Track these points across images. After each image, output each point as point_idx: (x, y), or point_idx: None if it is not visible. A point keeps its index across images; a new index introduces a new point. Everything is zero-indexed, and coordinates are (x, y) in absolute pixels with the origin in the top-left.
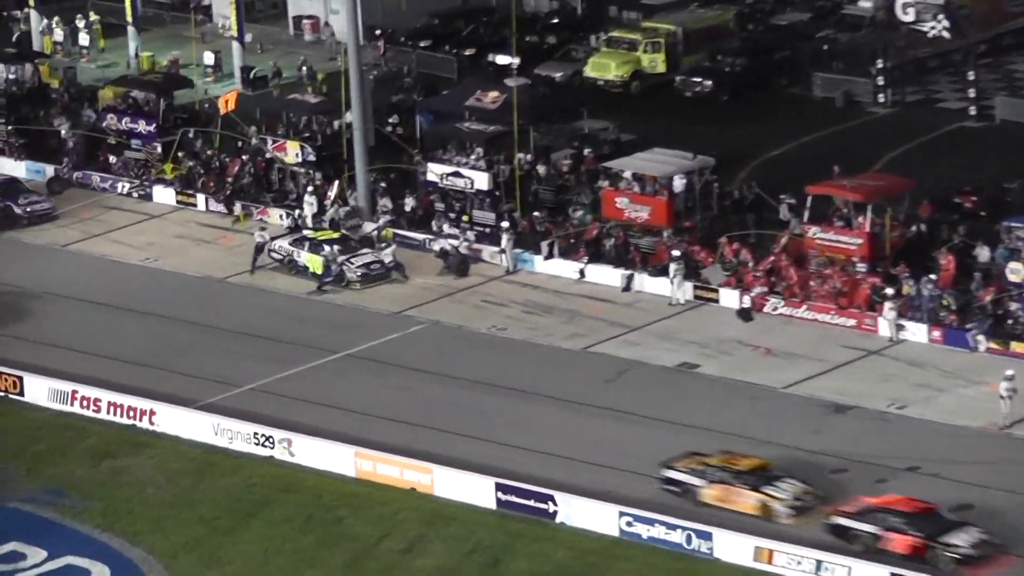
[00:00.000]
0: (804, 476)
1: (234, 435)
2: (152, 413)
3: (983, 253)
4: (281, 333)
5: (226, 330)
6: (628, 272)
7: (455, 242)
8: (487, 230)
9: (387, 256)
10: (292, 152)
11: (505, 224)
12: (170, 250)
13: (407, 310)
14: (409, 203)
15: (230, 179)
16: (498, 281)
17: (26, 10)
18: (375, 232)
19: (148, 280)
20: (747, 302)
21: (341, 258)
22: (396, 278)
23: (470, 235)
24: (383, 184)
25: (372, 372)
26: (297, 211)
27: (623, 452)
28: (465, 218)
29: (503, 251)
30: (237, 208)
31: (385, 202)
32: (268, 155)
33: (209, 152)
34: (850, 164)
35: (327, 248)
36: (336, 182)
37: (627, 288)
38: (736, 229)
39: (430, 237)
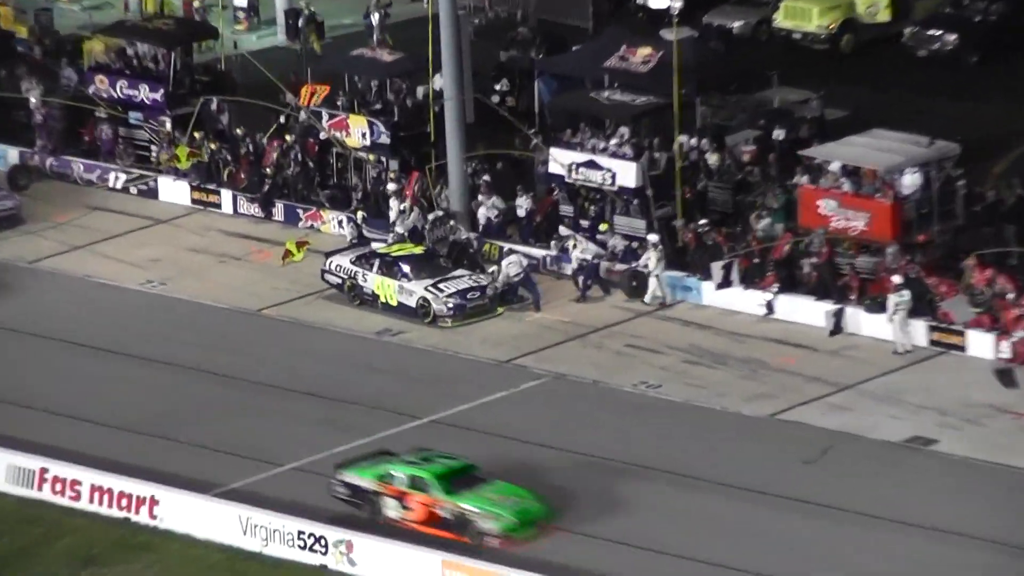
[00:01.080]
0: None
1: (271, 534)
2: (154, 502)
3: None
4: (340, 389)
5: (261, 383)
6: (836, 306)
7: (588, 257)
8: (633, 244)
9: (498, 277)
10: (356, 131)
11: (653, 237)
12: (183, 269)
13: (519, 357)
14: (523, 205)
15: (268, 169)
16: (648, 317)
17: None
18: (474, 243)
19: (152, 312)
20: (1006, 351)
21: (426, 283)
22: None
23: (617, 243)
24: (486, 178)
25: (468, 445)
26: (360, 215)
27: (826, 559)
28: (603, 226)
29: (652, 274)
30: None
31: (495, 201)
32: (322, 136)
33: (240, 131)
34: None
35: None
36: (415, 175)
37: (835, 330)
38: (991, 245)
39: (558, 254)
